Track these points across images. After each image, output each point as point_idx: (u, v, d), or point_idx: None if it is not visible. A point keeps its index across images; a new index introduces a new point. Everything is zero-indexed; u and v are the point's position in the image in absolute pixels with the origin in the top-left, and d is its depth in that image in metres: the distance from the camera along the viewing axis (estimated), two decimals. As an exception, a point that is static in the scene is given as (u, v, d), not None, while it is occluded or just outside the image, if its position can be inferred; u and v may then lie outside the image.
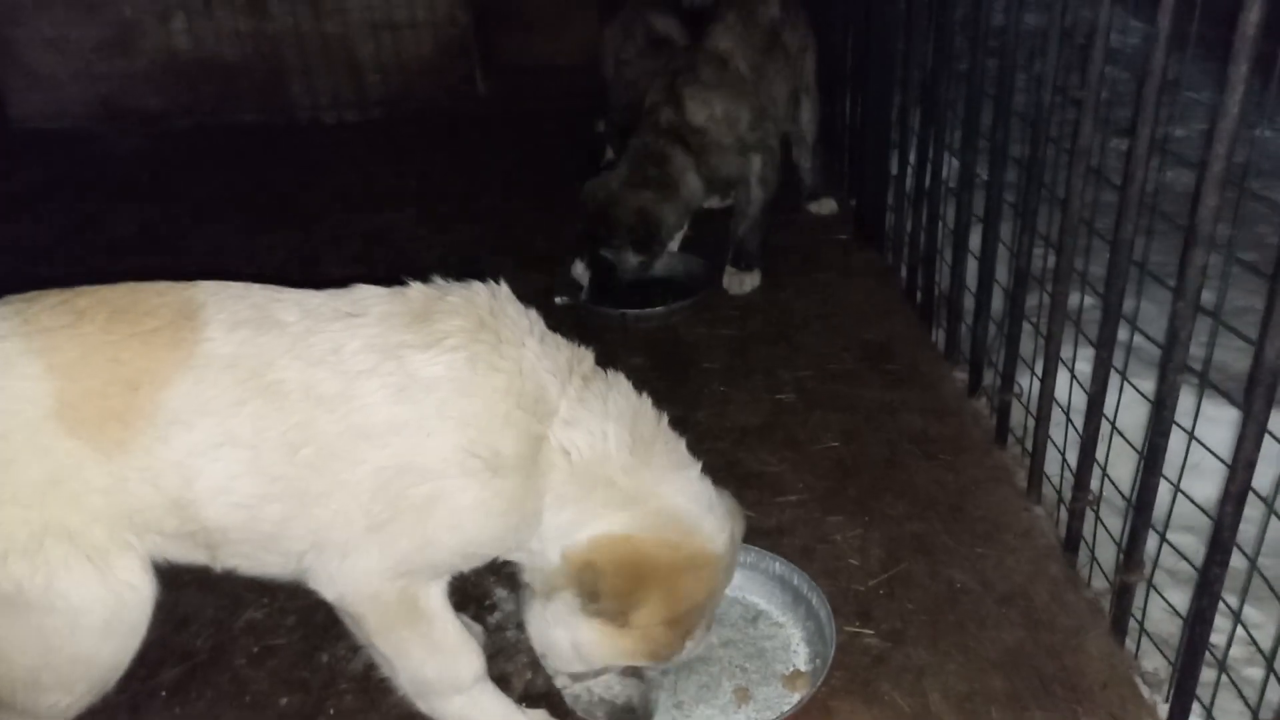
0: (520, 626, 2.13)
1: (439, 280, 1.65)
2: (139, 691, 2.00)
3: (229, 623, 2.19)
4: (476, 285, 1.64)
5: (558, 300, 3.62)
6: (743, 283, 3.72)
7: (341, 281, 4.18)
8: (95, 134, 5.96)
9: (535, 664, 2.03)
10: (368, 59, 5.93)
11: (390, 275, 4.30)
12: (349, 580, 1.57)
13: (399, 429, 1.50)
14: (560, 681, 1.83)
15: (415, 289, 1.62)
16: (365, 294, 1.61)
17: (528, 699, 1.96)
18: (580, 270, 3.68)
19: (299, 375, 1.48)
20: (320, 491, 1.51)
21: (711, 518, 1.68)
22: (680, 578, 1.62)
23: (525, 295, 3.91)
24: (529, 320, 1.66)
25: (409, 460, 1.50)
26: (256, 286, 1.59)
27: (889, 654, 2.03)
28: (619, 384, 1.72)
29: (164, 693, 2.01)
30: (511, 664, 2.05)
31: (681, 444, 1.76)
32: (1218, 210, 1.59)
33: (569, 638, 1.68)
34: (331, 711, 1.95)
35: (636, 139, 3.58)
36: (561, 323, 3.21)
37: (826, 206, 4.33)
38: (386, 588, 1.59)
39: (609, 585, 1.58)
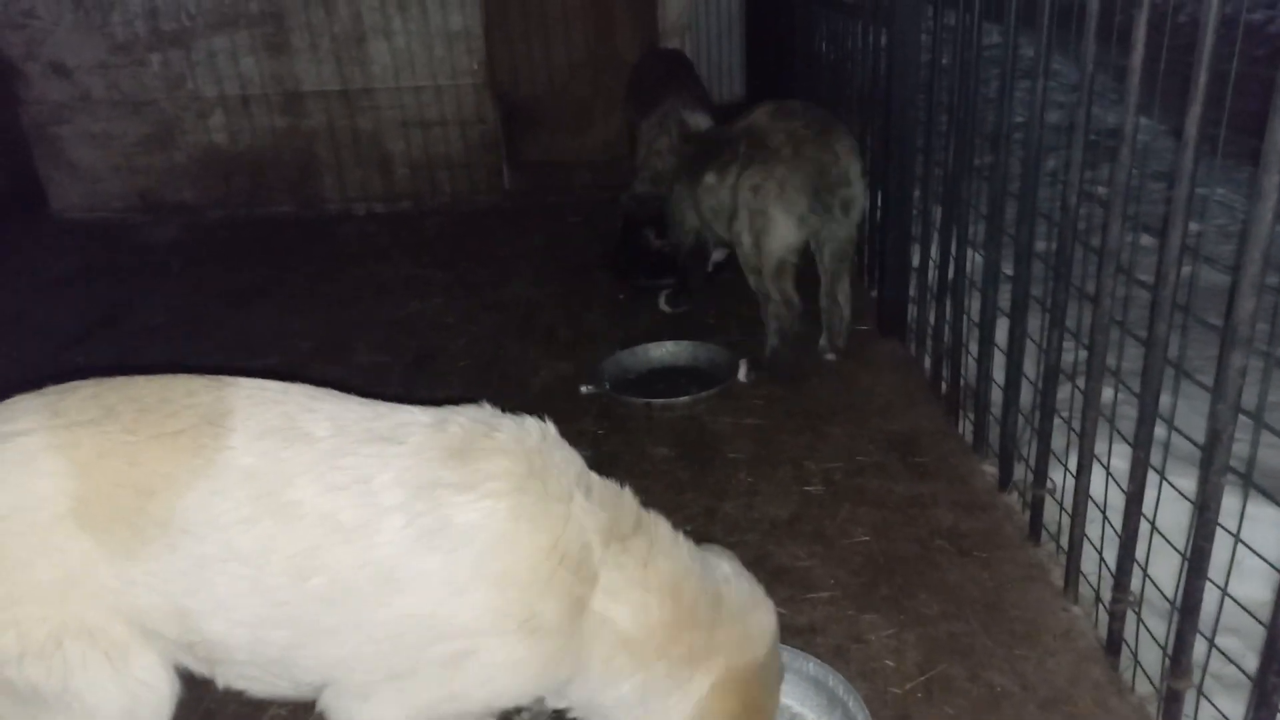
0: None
1: (488, 407, 1.60)
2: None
3: (255, 718, 2.14)
4: (528, 423, 1.58)
5: (584, 390, 3.64)
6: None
7: (371, 368, 4.22)
8: (132, 224, 6.15)
9: (564, 768, 1.98)
10: (398, 154, 6.12)
11: (420, 362, 4.32)
12: None
13: (426, 578, 1.42)
14: None
15: (460, 420, 1.55)
16: (406, 418, 1.54)
17: (557, 805, 1.90)
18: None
19: (317, 499, 1.42)
20: (331, 626, 1.44)
21: (758, 611, 1.69)
22: (766, 684, 1.68)
23: (550, 383, 3.94)
24: (576, 469, 1.59)
25: (434, 612, 1.43)
26: (295, 390, 1.54)
27: (930, 762, 1.96)
28: (660, 540, 1.63)
29: (183, 794, 1.96)
30: (540, 768, 2.00)
31: (715, 566, 1.71)
32: (1255, 314, 1.60)
33: None
34: (355, 817, 1.89)
35: None
36: (587, 411, 3.21)
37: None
38: None
39: None
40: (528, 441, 1.54)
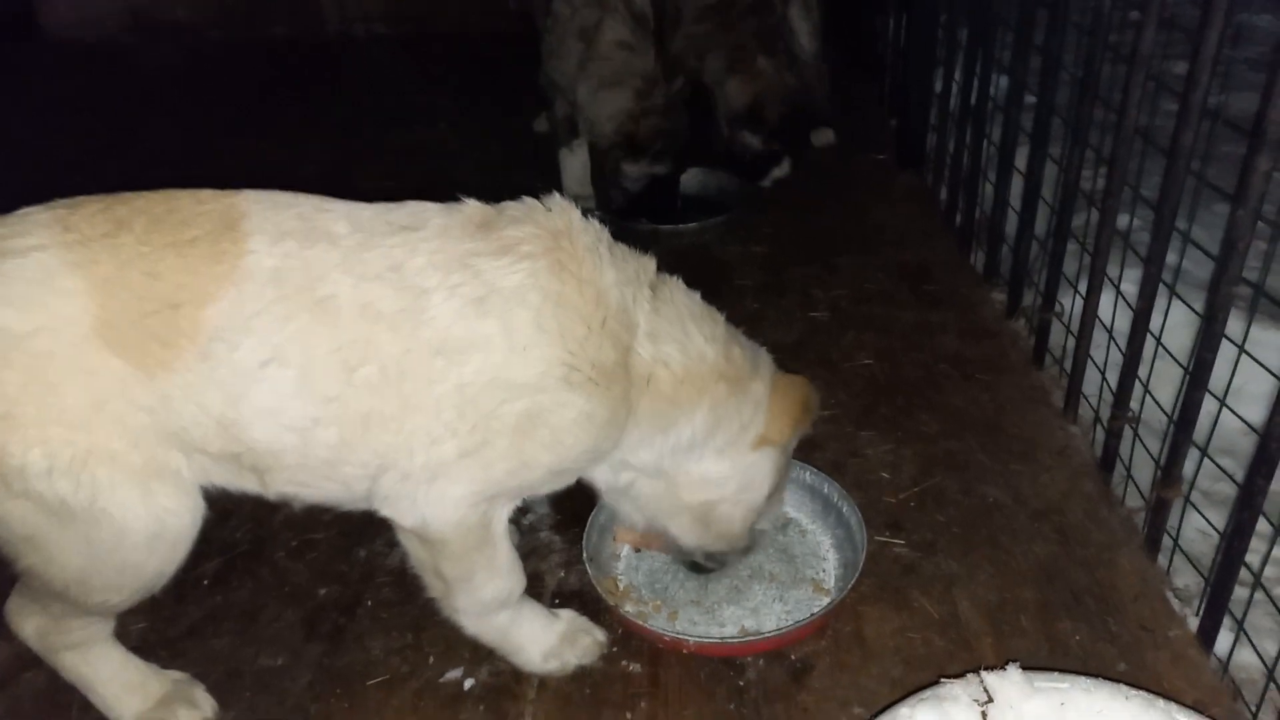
0: (554, 527, 2.17)
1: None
2: (183, 580, 2.04)
3: (268, 518, 2.23)
4: (530, 200, 1.58)
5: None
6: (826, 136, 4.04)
7: (376, 196, 4.19)
8: (126, 46, 5.93)
9: (568, 564, 2.08)
10: (399, -28, 5.83)
11: (424, 191, 4.28)
12: (436, 507, 1.53)
13: (483, 343, 1.44)
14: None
15: (472, 203, 1.56)
16: (421, 208, 1.54)
17: (560, 596, 2.00)
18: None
19: (352, 291, 1.41)
20: (387, 414, 1.45)
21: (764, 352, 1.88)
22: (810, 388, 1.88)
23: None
24: (595, 229, 1.59)
25: (498, 376, 1.45)
26: (303, 196, 1.51)
27: (919, 563, 2.04)
28: (679, 287, 1.71)
29: (206, 582, 2.07)
30: (545, 563, 2.09)
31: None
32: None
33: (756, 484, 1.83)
34: (369, 603, 2.00)
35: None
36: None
37: (823, 137, 4.22)
38: (471, 513, 1.56)
39: (813, 408, 1.85)
40: (540, 209, 1.56)
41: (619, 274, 1.56)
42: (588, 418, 1.52)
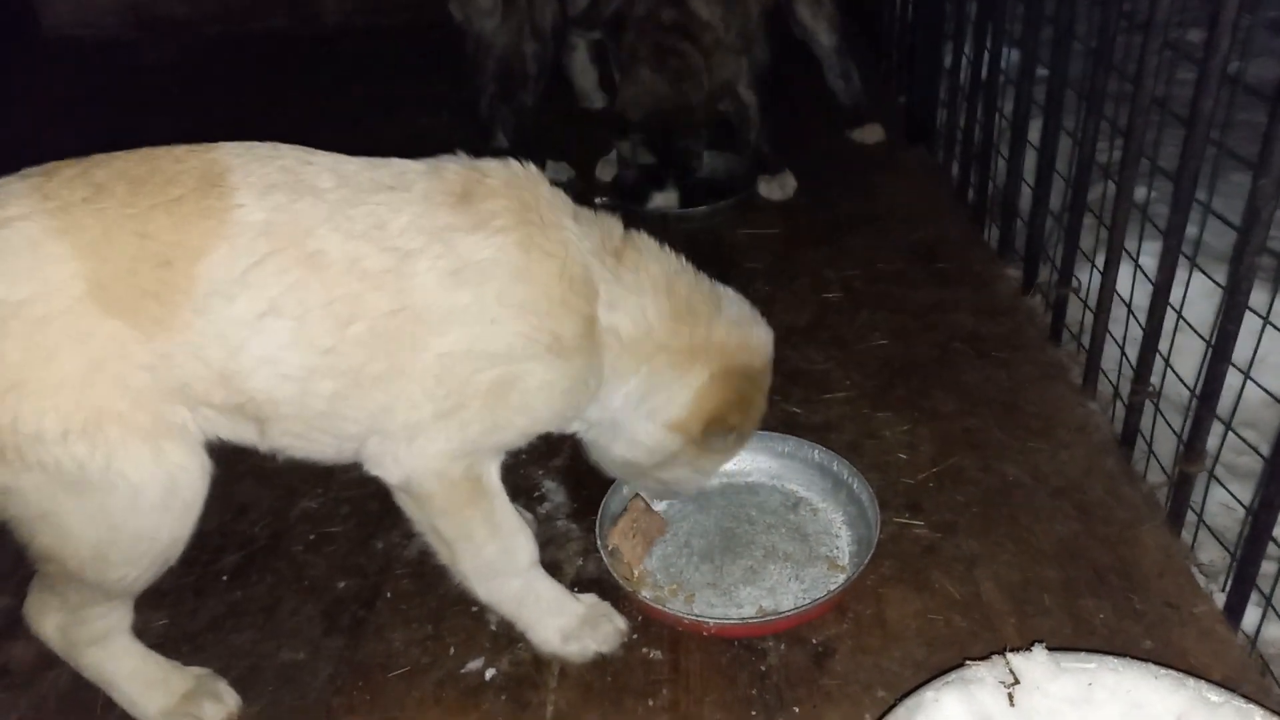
0: (570, 515, 2.17)
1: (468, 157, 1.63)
2: (202, 575, 2.06)
3: (285, 512, 2.23)
4: (512, 163, 1.61)
5: (597, 201, 3.57)
6: (784, 186, 3.64)
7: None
8: (126, 42, 5.91)
9: (586, 551, 2.07)
10: (397, -42, 5.78)
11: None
12: (416, 462, 1.58)
13: (459, 315, 1.50)
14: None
15: (453, 167, 1.58)
16: (405, 167, 1.57)
17: (579, 584, 1.99)
18: (667, 196, 3.57)
19: (340, 247, 1.44)
20: (377, 374, 1.50)
21: (757, 326, 1.82)
22: (759, 386, 1.82)
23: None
24: (561, 199, 1.64)
25: (473, 346, 1.51)
26: (284, 147, 1.52)
27: (939, 544, 2.02)
28: (648, 249, 1.72)
29: (225, 577, 2.07)
30: (563, 551, 2.08)
31: (713, 283, 1.80)
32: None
33: (670, 469, 1.86)
34: (389, 595, 2.00)
35: (635, 42, 3.35)
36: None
37: (872, 134, 3.99)
38: (453, 466, 1.60)
39: (729, 423, 1.76)
40: (516, 179, 1.60)
41: (584, 244, 1.61)
42: (550, 385, 1.58)
